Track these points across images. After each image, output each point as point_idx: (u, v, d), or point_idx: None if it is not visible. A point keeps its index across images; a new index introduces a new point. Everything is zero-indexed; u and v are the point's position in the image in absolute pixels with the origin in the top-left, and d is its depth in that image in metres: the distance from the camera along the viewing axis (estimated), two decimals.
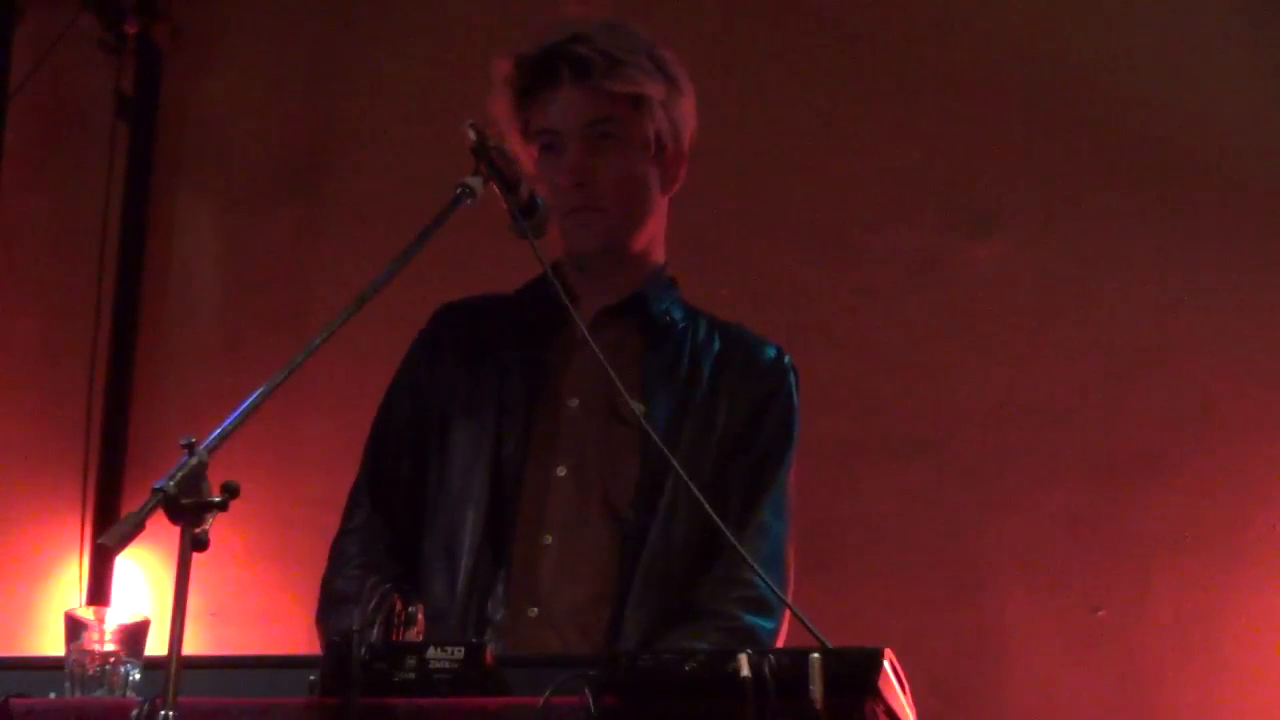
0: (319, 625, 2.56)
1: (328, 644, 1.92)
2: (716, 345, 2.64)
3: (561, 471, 2.54)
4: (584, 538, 2.51)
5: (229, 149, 4.75)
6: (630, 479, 2.52)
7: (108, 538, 1.81)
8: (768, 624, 2.44)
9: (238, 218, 4.73)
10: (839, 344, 4.12)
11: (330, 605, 2.54)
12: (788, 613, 2.43)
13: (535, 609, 2.48)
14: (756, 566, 2.29)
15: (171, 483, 1.79)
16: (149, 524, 1.80)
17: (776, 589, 2.34)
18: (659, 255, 2.68)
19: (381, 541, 2.59)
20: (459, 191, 2.27)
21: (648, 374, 2.54)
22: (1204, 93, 4.11)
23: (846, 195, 4.25)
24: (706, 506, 2.21)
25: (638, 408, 2.50)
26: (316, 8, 4.77)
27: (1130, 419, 4.01)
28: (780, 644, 2.44)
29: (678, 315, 2.65)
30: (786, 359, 2.66)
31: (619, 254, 2.62)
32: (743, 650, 1.80)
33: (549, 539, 2.51)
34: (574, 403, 2.58)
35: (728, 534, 2.23)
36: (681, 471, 2.22)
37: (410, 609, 1.99)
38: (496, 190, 2.35)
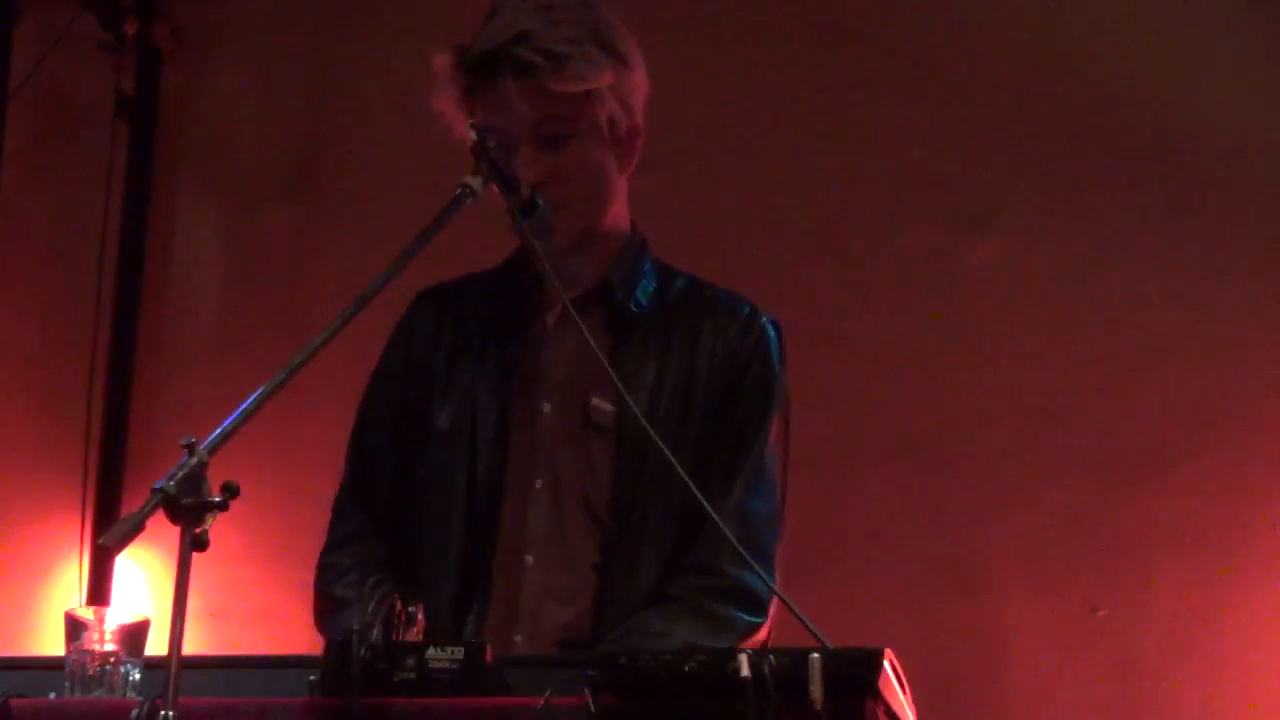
0: (321, 629, 2.53)
1: (328, 644, 1.92)
2: (691, 313, 2.59)
3: (539, 484, 2.52)
4: (565, 552, 2.48)
5: (229, 149, 4.75)
6: (606, 485, 2.49)
7: (108, 538, 1.81)
8: (750, 618, 2.41)
9: (238, 218, 4.73)
10: (839, 344, 4.11)
11: (334, 611, 2.51)
12: (773, 610, 2.42)
13: (520, 635, 2.45)
14: (752, 560, 2.25)
15: (171, 483, 1.79)
16: (149, 524, 1.80)
17: (763, 578, 2.28)
18: (624, 228, 2.62)
19: (376, 551, 2.55)
20: (459, 191, 2.26)
21: (617, 372, 2.44)
22: (1204, 93, 4.11)
23: (846, 195, 4.25)
24: (705, 504, 2.17)
25: (609, 408, 2.49)
26: (316, 8, 4.77)
27: (1130, 419, 4.01)
28: (765, 639, 2.42)
29: (647, 295, 2.59)
30: (764, 317, 2.60)
31: (585, 243, 2.57)
32: (743, 650, 1.80)
33: (529, 559, 2.48)
34: (547, 408, 2.55)
35: (728, 532, 2.21)
36: (678, 466, 2.17)
37: (410, 609, 1.99)
38: (496, 190, 2.35)
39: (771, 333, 2.61)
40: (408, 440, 2.59)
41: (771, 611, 2.42)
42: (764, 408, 2.55)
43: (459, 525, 2.50)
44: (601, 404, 2.51)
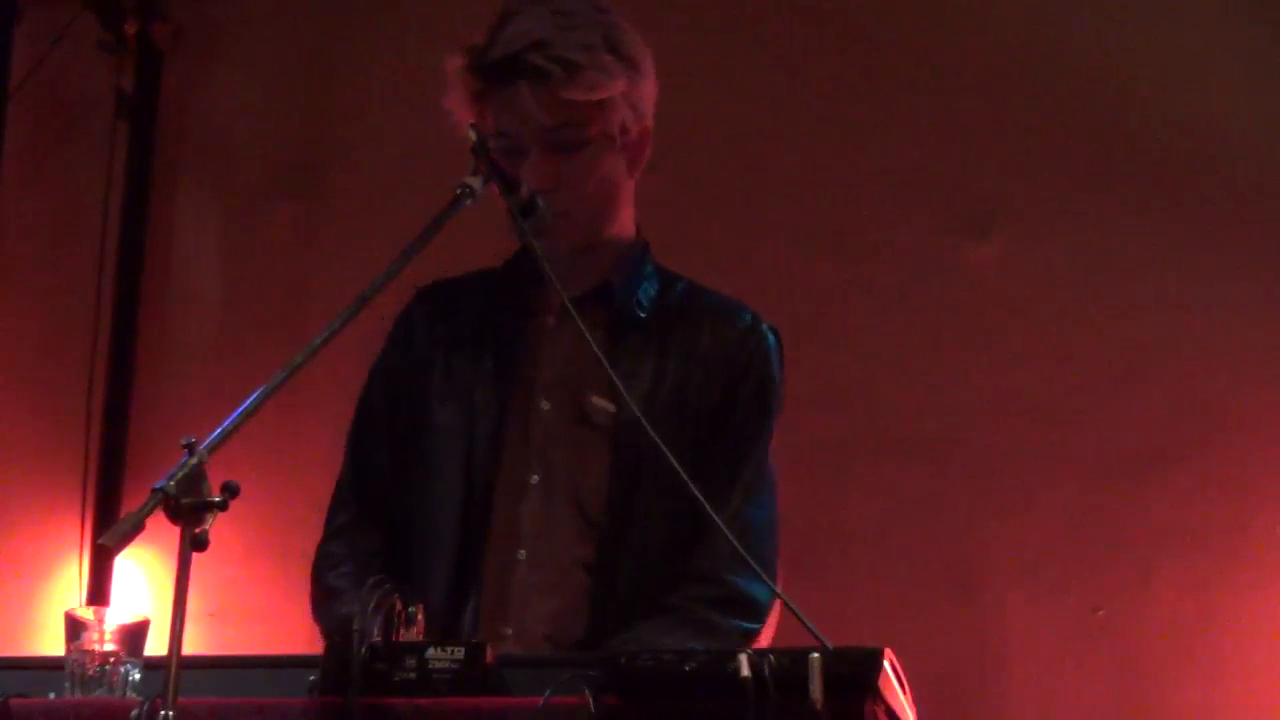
0: (317, 619, 2.55)
1: (328, 644, 1.93)
2: (689, 319, 2.58)
3: (534, 480, 2.52)
4: (556, 548, 2.48)
5: (229, 148, 4.75)
6: (601, 483, 2.49)
7: (108, 538, 1.81)
8: (746, 625, 2.40)
9: (238, 217, 4.73)
10: (839, 344, 4.11)
11: (325, 600, 2.53)
12: (773, 616, 2.42)
13: (509, 629, 2.45)
14: (755, 565, 2.25)
15: (171, 483, 1.80)
16: (149, 524, 1.80)
17: (766, 583, 2.25)
18: (629, 231, 2.63)
19: (369, 542, 2.57)
20: (459, 191, 2.26)
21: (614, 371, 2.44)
22: (1203, 93, 4.11)
23: (846, 194, 4.25)
24: (707, 507, 2.17)
25: (607, 407, 2.50)
26: (316, 8, 4.77)
27: (1130, 419, 4.01)
28: (768, 645, 2.42)
29: (647, 299, 2.59)
30: (764, 325, 2.60)
31: (590, 246, 2.57)
32: (743, 650, 1.80)
33: (522, 553, 2.49)
34: (545, 405, 2.55)
35: (730, 535, 2.20)
36: (677, 465, 2.13)
37: (410, 609, 2.00)
38: (496, 190, 2.35)
39: (771, 340, 2.60)
40: (404, 434, 2.59)
41: (771, 619, 2.42)
42: (763, 415, 2.55)
43: (454, 519, 2.51)
44: (602, 402, 2.51)
